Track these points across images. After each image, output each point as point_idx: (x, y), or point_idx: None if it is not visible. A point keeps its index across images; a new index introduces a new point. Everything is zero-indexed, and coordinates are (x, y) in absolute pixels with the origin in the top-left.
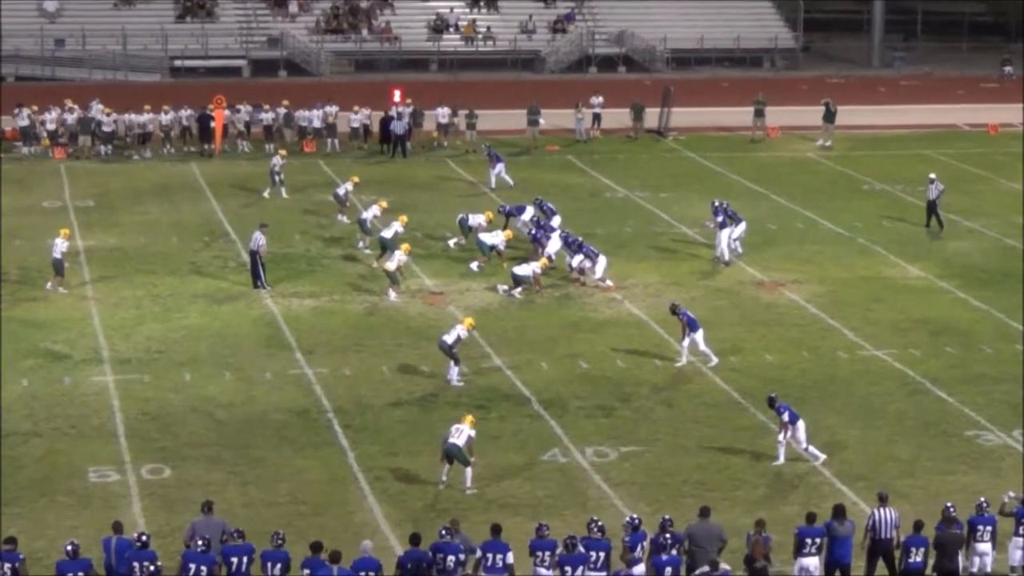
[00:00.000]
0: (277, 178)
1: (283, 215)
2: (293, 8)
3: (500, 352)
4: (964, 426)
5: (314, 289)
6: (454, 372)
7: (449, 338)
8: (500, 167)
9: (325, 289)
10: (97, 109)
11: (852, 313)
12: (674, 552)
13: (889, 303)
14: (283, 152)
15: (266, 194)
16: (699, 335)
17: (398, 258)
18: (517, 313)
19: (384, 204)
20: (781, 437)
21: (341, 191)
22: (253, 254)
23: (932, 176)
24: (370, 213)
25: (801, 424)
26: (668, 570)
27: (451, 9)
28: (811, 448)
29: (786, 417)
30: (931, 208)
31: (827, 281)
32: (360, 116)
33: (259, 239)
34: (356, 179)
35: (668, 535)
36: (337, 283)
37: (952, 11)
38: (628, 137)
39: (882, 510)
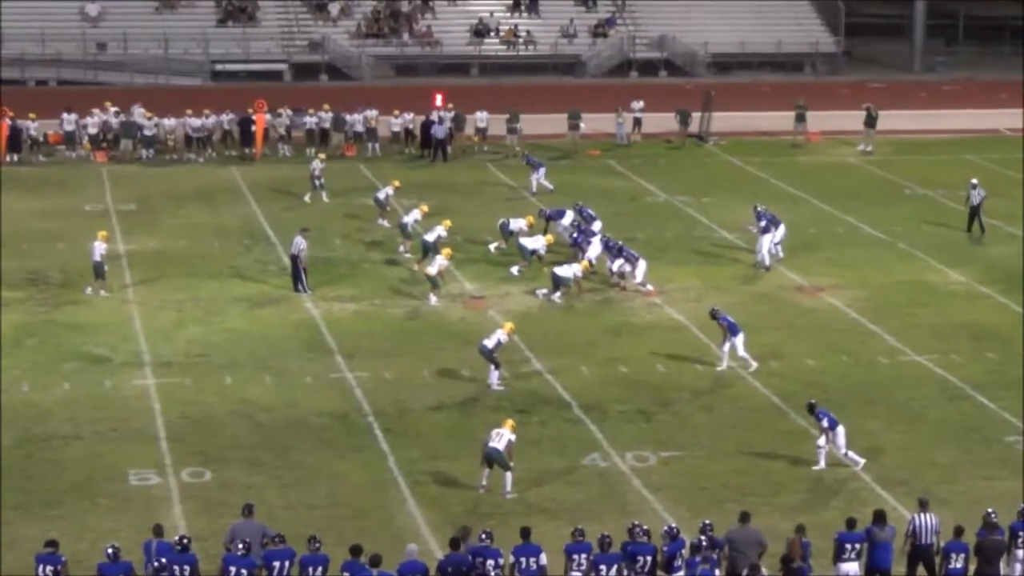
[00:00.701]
0: (317, 182)
1: (324, 219)
2: (334, 12)
3: (541, 356)
4: (1005, 432)
5: (355, 293)
6: (495, 376)
7: (489, 343)
8: (541, 171)
9: (366, 293)
10: (139, 113)
11: (892, 318)
12: (714, 556)
13: (930, 308)
14: (322, 156)
15: (307, 198)
16: (739, 339)
17: (439, 263)
18: (558, 317)
19: (425, 208)
20: (821, 442)
21: (381, 195)
22: (294, 258)
23: (974, 181)
24: (411, 218)
25: (840, 430)
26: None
27: (492, 13)
28: (850, 454)
29: (825, 423)
30: (973, 213)
31: (868, 286)
32: (401, 120)
33: (300, 243)
34: (396, 183)
35: (705, 538)
36: (378, 287)
37: (994, 15)
38: (668, 142)
39: (923, 516)
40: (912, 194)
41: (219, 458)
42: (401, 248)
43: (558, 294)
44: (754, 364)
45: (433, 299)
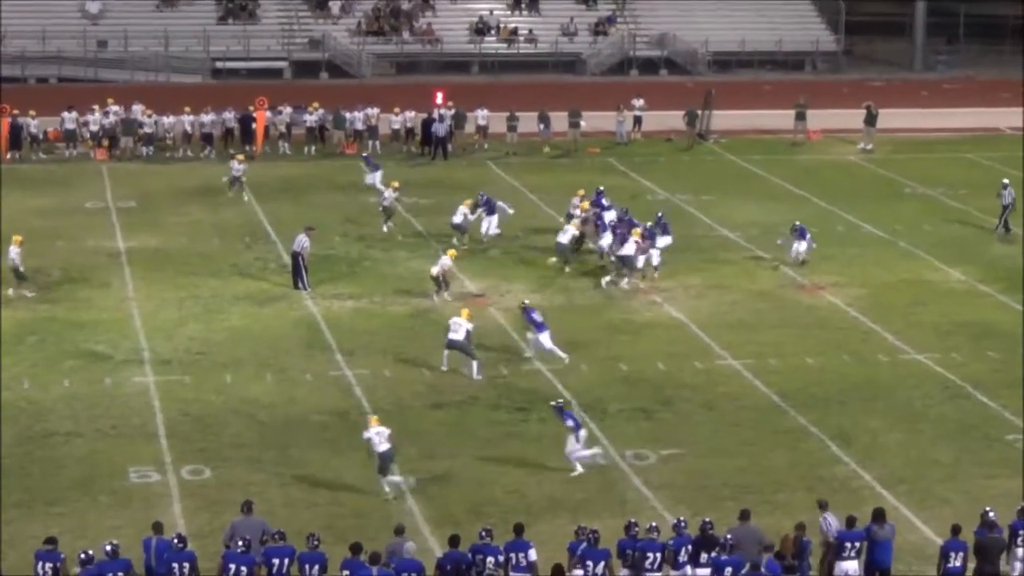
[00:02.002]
0: (236, 183)
1: (324, 216)
2: (335, 10)
3: (540, 354)
4: (1006, 430)
5: (355, 291)
6: (475, 367)
7: (459, 335)
8: (378, 174)
9: (366, 291)
10: (138, 110)
11: (893, 317)
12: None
13: (931, 307)
14: (240, 157)
15: (231, 195)
16: (545, 336)
17: (442, 263)
18: (557, 315)
19: (396, 184)
20: (571, 447)
21: (386, 201)
22: (296, 255)
23: (1006, 181)
24: (459, 216)
25: (583, 434)
26: (728, 570)
27: (492, 11)
28: (582, 457)
29: (570, 423)
30: (1005, 213)
31: (868, 284)
32: (401, 118)
33: (304, 241)
34: (396, 184)
35: (711, 532)
36: (378, 285)
37: (995, 14)
38: (668, 140)
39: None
40: (913, 193)
41: (219, 456)
42: (385, 228)
43: (625, 281)
44: (565, 357)
45: (438, 298)
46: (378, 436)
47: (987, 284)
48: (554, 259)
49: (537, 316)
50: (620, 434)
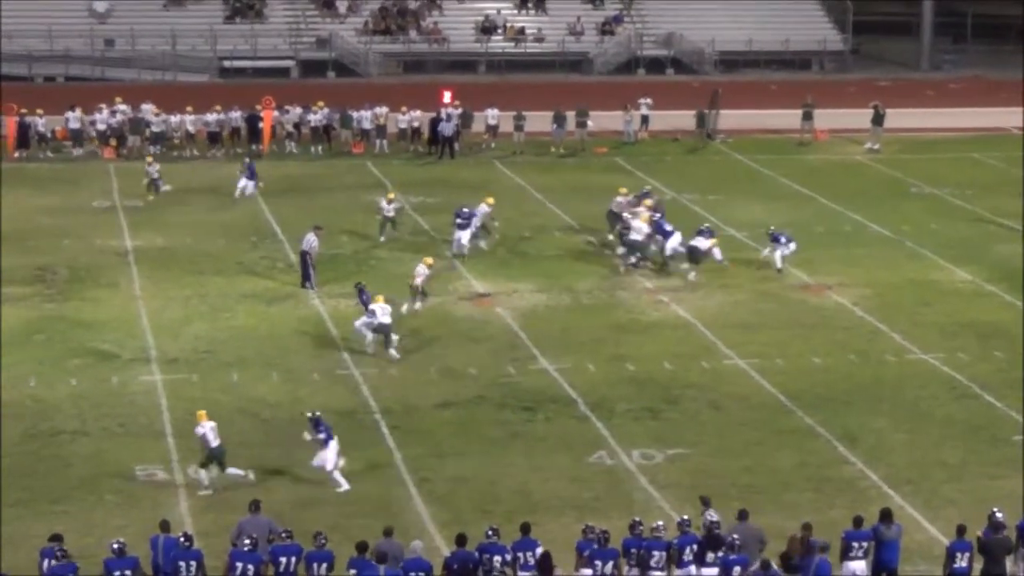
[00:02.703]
0: (156, 185)
1: (331, 216)
2: (342, 9)
3: (546, 354)
4: (1012, 431)
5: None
6: (393, 343)
7: (388, 318)
8: (252, 184)
9: (373, 290)
10: (147, 110)
11: (899, 316)
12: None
13: (937, 307)
14: (150, 159)
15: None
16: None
17: (422, 273)
18: (564, 315)
19: (391, 196)
20: (320, 462)
21: (389, 212)
22: (304, 254)
23: None
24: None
25: (333, 444)
26: (736, 570)
27: (499, 10)
28: (336, 474)
29: (322, 436)
30: None
31: (874, 284)
32: (408, 117)
33: (312, 240)
34: (391, 195)
35: (718, 532)
36: (384, 284)
37: (1002, 14)
38: (675, 140)
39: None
40: (919, 192)
41: (226, 454)
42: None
43: (693, 275)
44: (371, 350)
45: (418, 305)
46: (212, 432)
47: (993, 284)
48: (630, 259)
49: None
50: (627, 434)
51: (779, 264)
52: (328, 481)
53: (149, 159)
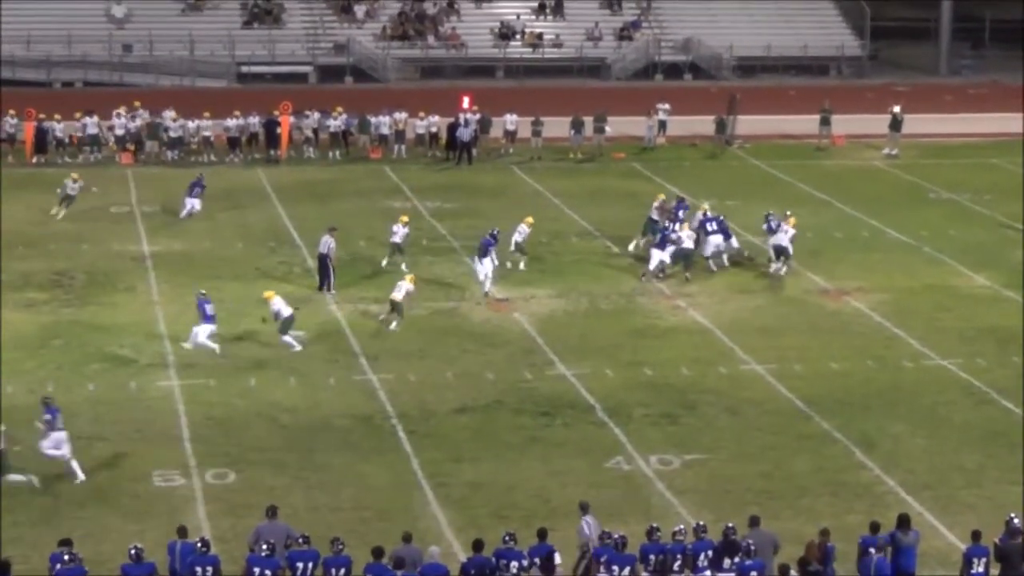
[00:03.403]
0: (67, 198)
1: (349, 220)
2: (360, 14)
3: (564, 359)
4: None
5: (379, 295)
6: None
7: (287, 310)
8: (196, 202)
9: (390, 295)
10: (167, 116)
11: (917, 322)
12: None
13: (955, 312)
14: (75, 176)
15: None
16: (204, 329)
17: (405, 288)
18: (582, 320)
19: (405, 219)
20: (53, 445)
21: (398, 239)
22: (323, 257)
23: None
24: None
25: (63, 435)
26: (753, 575)
27: (518, 16)
28: (74, 463)
29: (48, 417)
30: None
31: (893, 290)
32: (426, 123)
33: (329, 242)
34: (405, 218)
35: (734, 538)
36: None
37: (1020, 19)
38: (693, 145)
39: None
40: (937, 198)
41: (243, 459)
42: (385, 262)
43: (782, 266)
44: (215, 347)
45: (393, 325)
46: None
47: (1012, 289)
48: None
49: (209, 309)
50: (644, 439)
51: (788, 248)
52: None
53: (75, 176)
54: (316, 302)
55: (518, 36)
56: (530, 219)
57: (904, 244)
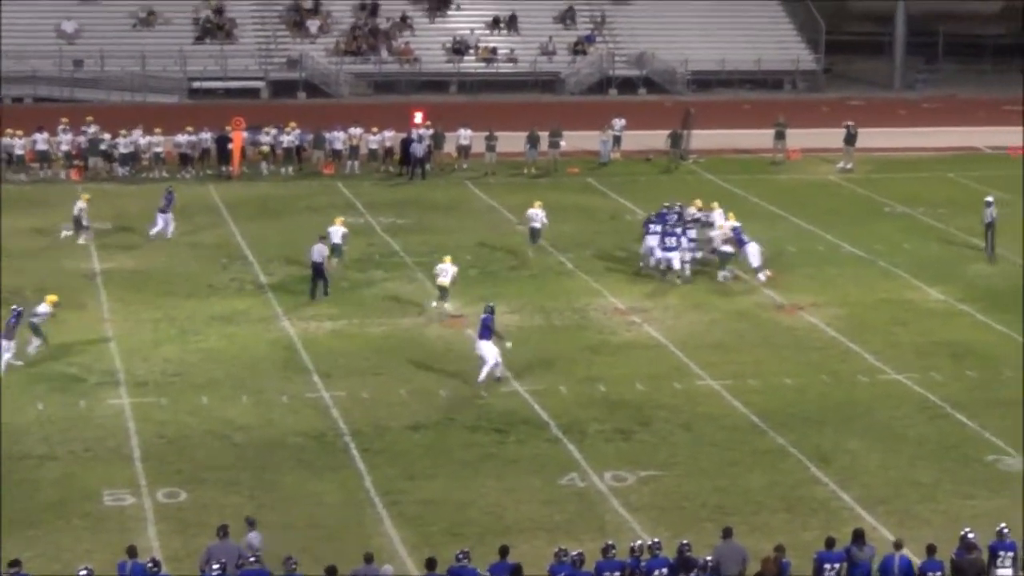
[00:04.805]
0: (83, 222)
1: (301, 237)
2: (312, 29)
3: (518, 376)
4: (986, 451)
5: (332, 312)
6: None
7: (37, 319)
8: (168, 224)
9: (344, 312)
10: (141, 136)
11: (873, 336)
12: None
13: (910, 326)
14: (87, 196)
15: (66, 235)
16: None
17: (450, 273)
18: (535, 336)
19: (341, 219)
20: None
21: (337, 239)
22: (317, 265)
23: (989, 199)
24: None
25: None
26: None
27: (471, 30)
28: None
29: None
30: (988, 232)
31: (847, 304)
32: (379, 138)
33: (323, 251)
34: (341, 219)
35: (689, 554)
36: (355, 306)
37: (974, 33)
38: (647, 160)
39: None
40: (892, 212)
41: (195, 478)
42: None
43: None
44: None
45: (446, 306)
46: None
47: (967, 303)
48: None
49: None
50: (599, 455)
51: (755, 262)
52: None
53: (86, 197)
54: (269, 320)
55: (472, 51)
56: (539, 202)
57: (859, 258)
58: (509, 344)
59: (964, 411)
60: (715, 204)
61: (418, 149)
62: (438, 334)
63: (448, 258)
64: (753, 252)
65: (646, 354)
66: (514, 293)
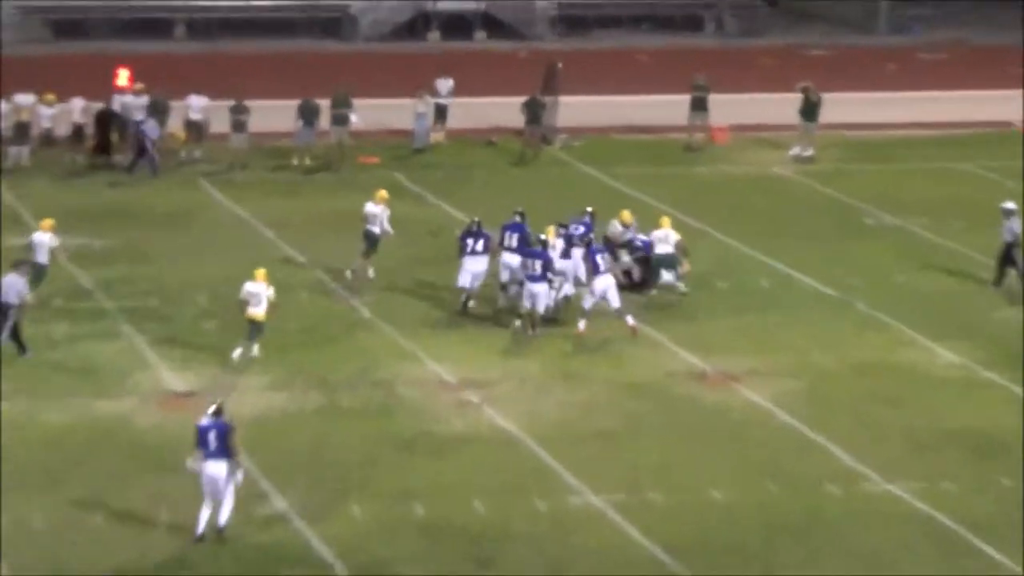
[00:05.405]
0: None
1: None
2: None
3: (285, 489)
4: None
5: None
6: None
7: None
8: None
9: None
10: None
11: (847, 422)
12: None
13: (906, 407)
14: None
15: None
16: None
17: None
18: (312, 425)
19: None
20: None
21: (44, 255)
22: (9, 308)
23: (1010, 206)
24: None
25: None
26: None
27: None
28: None
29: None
30: (1006, 256)
31: (807, 371)
32: (55, 111)
33: (20, 286)
34: (50, 221)
35: None
36: (21, 380)
37: None
38: (490, 143)
39: None
40: (877, 224)
41: None
42: None
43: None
44: None
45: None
46: None
47: (994, 370)
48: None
49: None
50: None
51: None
52: None
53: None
54: None
55: None
56: (383, 192)
57: (824, 298)
58: (241, 475)
59: (995, 541)
60: (665, 220)
61: (151, 130)
62: (155, 422)
63: (261, 272)
64: (609, 286)
65: (489, 454)
66: (278, 356)
